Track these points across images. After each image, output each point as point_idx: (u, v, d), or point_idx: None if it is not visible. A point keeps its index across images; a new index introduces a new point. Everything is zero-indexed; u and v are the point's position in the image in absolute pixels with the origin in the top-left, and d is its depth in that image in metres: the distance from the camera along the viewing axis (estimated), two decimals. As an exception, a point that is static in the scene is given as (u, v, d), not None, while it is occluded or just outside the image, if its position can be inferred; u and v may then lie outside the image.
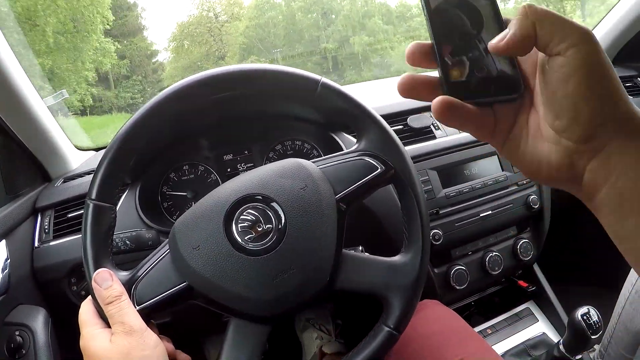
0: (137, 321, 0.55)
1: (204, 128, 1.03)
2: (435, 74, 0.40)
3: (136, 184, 0.95)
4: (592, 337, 0.93)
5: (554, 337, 1.24)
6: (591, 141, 0.35)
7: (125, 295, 0.57)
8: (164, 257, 0.61)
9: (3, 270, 0.86)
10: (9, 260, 0.88)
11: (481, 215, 1.13)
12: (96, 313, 0.58)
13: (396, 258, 0.68)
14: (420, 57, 0.40)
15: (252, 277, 0.58)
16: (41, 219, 0.99)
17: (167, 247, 0.62)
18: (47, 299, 0.93)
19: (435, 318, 0.91)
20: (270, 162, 1.07)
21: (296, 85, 0.68)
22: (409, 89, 0.41)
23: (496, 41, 0.36)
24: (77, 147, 1.21)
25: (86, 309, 0.59)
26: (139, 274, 0.60)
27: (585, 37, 0.34)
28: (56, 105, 1.15)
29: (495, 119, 0.40)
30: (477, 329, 1.25)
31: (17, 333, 0.82)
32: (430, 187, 1.08)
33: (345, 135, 1.06)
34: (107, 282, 0.57)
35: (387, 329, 0.64)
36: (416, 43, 0.40)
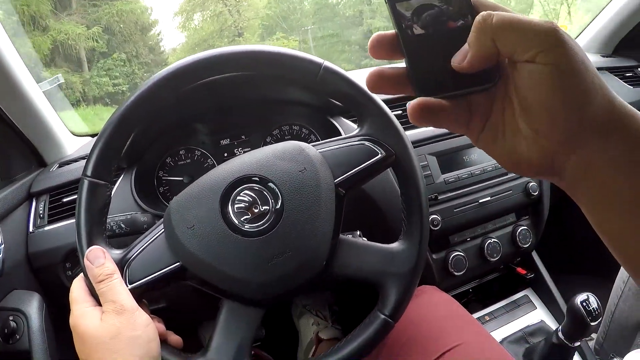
0: (128, 300, 0.54)
1: (201, 113, 1.01)
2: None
3: (132, 168, 0.94)
4: (592, 323, 0.92)
5: (552, 324, 1.23)
6: (569, 142, 0.33)
7: (118, 274, 0.56)
8: (158, 236, 0.60)
9: (-3, 255, 0.84)
10: (3, 245, 0.86)
11: (480, 201, 1.11)
12: (87, 291, 0.57)
13: (394, 245, 0.66)
14: (384, 49, 0.37)
15: (246, 259, 0.57)
16: (36, 204, 0.98)
17: (161, 226, 0.61)
18: (41, 284, 0.92)
19: (433, 304, 0.90)
20: (268, 146, 1.07)
21: (297, 68, 0.65)
22: (378, 86, 0.38)
23: (457, 61, 0.34)
24: (73, 132, 1.19)
25: (77, 287, 0.58)
26: (132, 253, 0.59)
27: (551, 39, 0.31)
28: (52, 90, 1.13)
29: (470, 109, 0.38)
30: (475, 315, 1.23)
31: (10, 318, 0.81)
32: (430, 172, 1.07)
33: (344, 119, 1.04)
34: (100, 259, 0.56)
35: (382, 316, 0.62)
36: (378, 34, 0.37)
